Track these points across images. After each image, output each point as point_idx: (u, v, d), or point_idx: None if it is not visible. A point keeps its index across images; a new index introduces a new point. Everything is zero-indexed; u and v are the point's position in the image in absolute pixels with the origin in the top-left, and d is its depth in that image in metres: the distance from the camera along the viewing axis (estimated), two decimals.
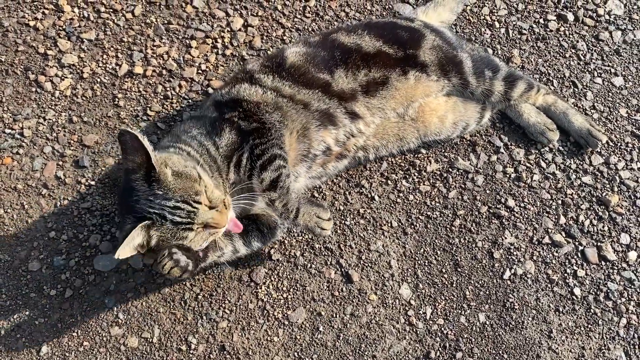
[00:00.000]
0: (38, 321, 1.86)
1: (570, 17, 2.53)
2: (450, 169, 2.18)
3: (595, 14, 2.56)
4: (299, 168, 1.93)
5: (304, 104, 1.88)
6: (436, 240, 2.06)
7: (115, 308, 1.89)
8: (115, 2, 2.39)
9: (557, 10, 2.55)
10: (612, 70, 2.44)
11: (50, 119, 2.15)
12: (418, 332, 1.92)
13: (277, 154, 1.76)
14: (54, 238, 1.96)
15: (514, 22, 2.49)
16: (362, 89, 1.96)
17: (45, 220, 1.99)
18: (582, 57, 2.45)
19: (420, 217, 2.09)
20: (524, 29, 2.49)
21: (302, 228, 1.82)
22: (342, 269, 1.98)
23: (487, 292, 1.98)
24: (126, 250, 1.50)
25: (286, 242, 2.00)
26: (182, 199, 1.52)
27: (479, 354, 1.89)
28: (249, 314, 1.90)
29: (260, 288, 1.94)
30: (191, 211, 1.53)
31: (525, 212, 2.12)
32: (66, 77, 2.23)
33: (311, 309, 1.92)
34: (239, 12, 2.41)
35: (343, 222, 2.06)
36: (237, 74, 1.99)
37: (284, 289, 1.94)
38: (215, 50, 2.34)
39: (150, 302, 1.90)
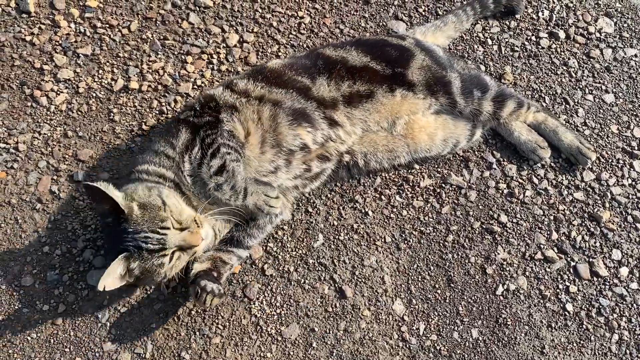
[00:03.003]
0: (30, 337, 1.85)
1: (562, 34, 2.56)
2: (443, 185, 2.19)
3: (586, 31, 2.60)
4: (274, 158, 1.92)
5: (275, 102, 1.94)
6: (429, 256, 2.07)
7: (108, 323, 1.88)
8: (112, 18, 2.41)
9: (549, 28, 2.59)
10: (603, 88, 2.47)
11: (45, 134, 2.16)
12: (411, 348, 1.92)
13: (223, 143, 1.84)
14: (48, 253, 1.96)
15: (507, 40, 2.53)
16: (343, 99, 1.99)
17: (39, 235, 1.99)
18: (573, 74, 2.48)
19: (413, 232, 2.10)
20: (517, 46, 2.52)
21: (253, 207, 1.84)
22: (336, 285, 1.99)
23: (480, 308, 1.99)
24: (108, 280, 1.63)
25: (280, 257, 2.01)
26: (150, 229, 1.65)
27: None
28: (242, 330, 1.90)
29: (254, 304, 1.94)
30: (160, 238, 1.65)
31: (518, 227, 2.14)
32: (62, 92, 2.24)
33: (305, 325, 1.92)
34: (235, 28, 2.44)
35: (337, 237, 2.07)
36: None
37: (278, 304, 1.94)
38: (211, 65, 2.36)
39: (143, 318, 1.90)
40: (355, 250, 2.05)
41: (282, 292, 1.96)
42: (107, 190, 1.65)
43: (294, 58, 2.08)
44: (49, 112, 2.20)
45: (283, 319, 1.92)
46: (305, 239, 2.05)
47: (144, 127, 2.21)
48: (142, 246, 1.64)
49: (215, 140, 1.83)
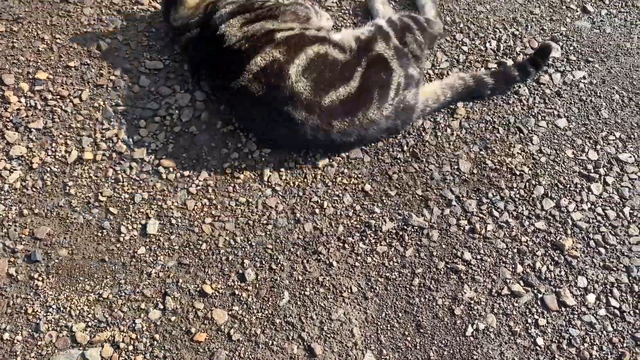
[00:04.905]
0: None
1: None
2: (405, 227, 2.20)
3: None
4: None
5: None
6: (397, 302, 2.06)
7: None
8: (62, 89, 2.41)
9: (497, 58, 2.64)
10: (555, 113, 2.51)
11: None
12: None
13: None
14: (8, 339, 1.92)
15: (456, 74, 2.55)
16: None
17: None
18: (525, 102, 2.52)
19: (379, 279, 2.09)
20: None
21: None
22: (305, 343, 1.97)
23: (451, 351, 1.98)
24: None
25: (246, 320, 1.99)
26: None
27: None
28: None
29: None
30: None
31: (482, 264, 2.14)
32: (15, 170, 2.22)
33: None
34: (186, 87, 2.44)
35: (303, 292, 2.05)
36: None
37: None
38: (165, 127, 2.35)
39: None
40: (322, 304, 2.04)
41: (250, 356, 1.93)
42: None
43: None
44: (2, 192, 2.17)
45: None
46: (270, 298, 2.03)
47: (100, 197, 2.19)
48: None
49: None
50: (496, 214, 2.24)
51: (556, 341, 2.01)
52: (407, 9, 2.71)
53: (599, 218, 2.26)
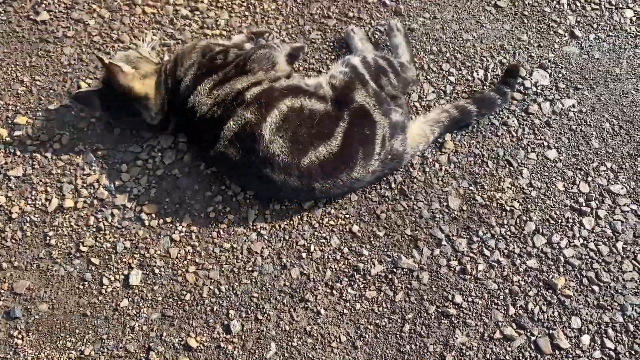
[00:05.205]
0: None
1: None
2: (394, 269, 2.15)
3: (522, 87, 2.60)
4: None
5: None
6: (387, 351, 2.01)
7: None
8: (42, 133, 2.36)
9: (485, 87, 2.59)
10: (545, 144, 2.46)
11: None
12: None
13: None
14: None
15: (440, 107, 2.51)
16: None
17: None
18: (514, 134, 2.48)
19: (369, 326, 2.05)
20: None
21: None
22: None
23: None
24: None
25: None
26: None
27: None
28: None
29: None
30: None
31: (474, 306, 2.09)
32: None
33: None
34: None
35: (290, 343, 2.00)
36: None
37: None
38: (147, 171, 2.31)
39: None
40: (310, 355, 1.99)
41: None
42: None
43: None
44: None
45: None
46: (257, 350, 1.98)
47: (81, 247, 2.14)
48: None
49: None
50: (487, 252, 2.19)
51: None
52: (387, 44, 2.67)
53: (591, 254, 2.21)
